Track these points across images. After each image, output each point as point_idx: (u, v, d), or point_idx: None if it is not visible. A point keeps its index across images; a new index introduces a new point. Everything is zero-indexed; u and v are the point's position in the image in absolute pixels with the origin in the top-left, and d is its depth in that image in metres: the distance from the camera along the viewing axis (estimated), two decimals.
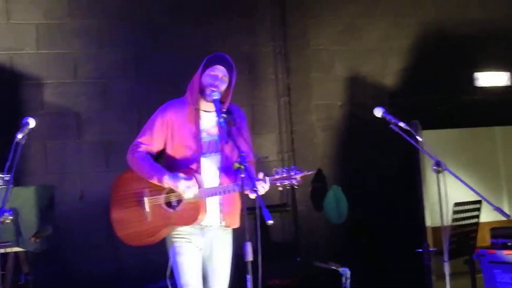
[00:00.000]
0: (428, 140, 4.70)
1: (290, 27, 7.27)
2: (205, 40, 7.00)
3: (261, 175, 4.03)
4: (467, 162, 10.99)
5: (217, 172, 4.25)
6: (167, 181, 4.12)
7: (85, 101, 6.66)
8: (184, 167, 4.20)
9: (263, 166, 5.78)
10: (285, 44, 7.26)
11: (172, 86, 6.51)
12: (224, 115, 4.06)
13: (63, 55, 6.65)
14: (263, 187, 3.98)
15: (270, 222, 3.46)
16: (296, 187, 4.09)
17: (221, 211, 4.25)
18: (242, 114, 4.38)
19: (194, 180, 4.10)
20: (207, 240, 4.27)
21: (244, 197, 3.83)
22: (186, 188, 4.09)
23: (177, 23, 7.00)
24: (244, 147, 4.18)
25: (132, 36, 6.85)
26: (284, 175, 4.01)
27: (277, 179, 4.01)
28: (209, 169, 4.24)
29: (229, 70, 4.31)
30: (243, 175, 3.78)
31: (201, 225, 4.20)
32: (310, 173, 4.18)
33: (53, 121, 6.55)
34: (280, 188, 4.05)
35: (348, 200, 7.08)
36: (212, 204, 4.21)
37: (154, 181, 4.16)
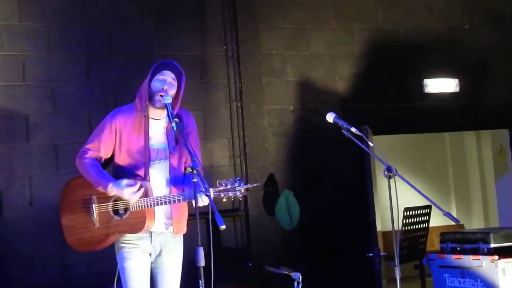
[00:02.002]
0: (379, 145, 4.77)
1: (242, 31, 7.24)
2: (156, 44, 6.98)
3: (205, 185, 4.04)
4: (417, 168, 11.24)
5: (166, 179, 4.27)
6: (112, 189, 4.14)
7: (34, 104, 6.54)
8: (132, 175, 4.23)
9: (213, 172, 5.79)
10: (237, 48, 7.23)
11: (122, 91, 6.65)
12: (176, 119, 4.09)
13: (12, 57, 6.54)
14: (205, 199, 4.04)
15: (223, 227, 3.56)
16: (240, 199, 4.18)
17: (168, 218, 4.27)
18: (192, 120, 4.42)
19: (138, 184, 4.12)
20: (155, 245, 4.28)
21: (190, 203, 3.87)
22: (130, 195, 4.12)
23: (128, 27, 6.94)
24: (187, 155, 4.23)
25: (82, 40, 6.75)
26: (228, 187, 4.07)
27: (220, 191, 4.07)
28: (158, 176, 4.26)
29: (178, 76, 4.33)
30: (195, 180, 3.82)
31: (149, 231, 4.24)
32: (254, 185, 4.35)
33: (0, 124, 6.44)
34: (225, 200, 4.11)
35: (300, 205, 7.07)
36: (160, 211, 4.24)
37: (100, 189, 4.18)
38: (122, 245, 4.26)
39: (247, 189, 4.13)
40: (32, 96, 6.56)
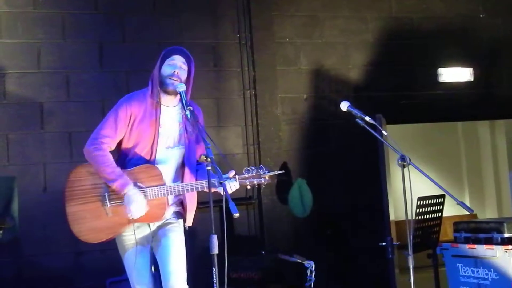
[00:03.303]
0: (392, 134, 4.76)
1: (255, 18, 7.21)
2: (168, 32, 6.96)
3: (231, 174, 4.10)
4: (431, 157, 11.21)
5: (177, 166, 4.27)
6: (129, 191, 4.07)
7: (48, 91, 6.53)
8: (140, 162, 4.19)
9: (227, 162, 5.81)
10: (251, 36, 7.21)
11: (134, 78, 6.66)
12: (190, 107, 4.07)
13: (26, 44, 6.54)
14: (234, 186, 4.08)
15: (237, 215, 3.49)
16: (264, 185, 4.23)
17: (178, 206, 4.31)
18: (200, 111, 4.36)
19: (145, 203, 4.08)
20: (154, 229, 4.27)
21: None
22: (137, 210, 4.08)
23: (141, 15, 6.93)
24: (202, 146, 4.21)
25: (96, 27, 6.73)
26: (254, 174, 4.11)
27: (246, 178, 4.11)
28: (168, 163, 4.23)
29: (187, 61, 4.32)
30: (209, 168, 3.81)
31: None
32: (279, 172, 4.40)
33: (15, 112, 6.42)
34: (249, 187, 4.18)
35: (312, 193, 7.07)
36: (170, 200, 4.26)
37: (113, 186, 4.10)
38: (123, 237, 4.24)
39: (271, 177, 4.17)
40: (46, 84, 6.56)
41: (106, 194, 4.15)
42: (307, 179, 7.18)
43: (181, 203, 4.33)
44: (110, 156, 4.17)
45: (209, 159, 3.78)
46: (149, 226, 4.25)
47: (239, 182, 4.10)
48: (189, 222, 4.35)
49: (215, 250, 3.71)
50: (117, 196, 4.14)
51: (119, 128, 4.19)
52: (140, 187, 4.12)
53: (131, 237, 4.21)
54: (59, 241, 6.27)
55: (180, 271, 4.16)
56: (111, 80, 6.75)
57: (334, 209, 7.33)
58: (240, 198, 6.79)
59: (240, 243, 6.74)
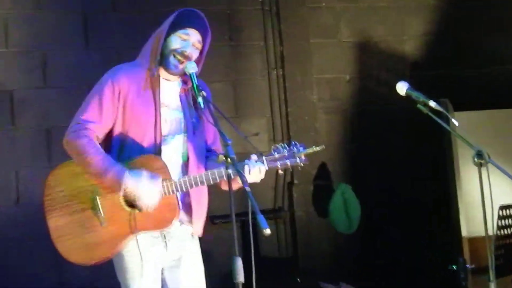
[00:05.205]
0: (462, 124, 4.72)
1: None
2: None
3: (254, 157, 4.10)
4: (510, 152, 11.05)
5: (182, 158, 4.27)
6: (127, 180, 4.02)
7: (20, 76, 6.58)
8: (138, 152, 4.15)
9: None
10: (276, 0, 7.24)
11: (129, 57, 6.32)
12: (203, 92, 4.05)
13: None
14: (259, 172, 4.05)
15: (268, 231, 3.42)
16: (300, 168, 4.19)
17: (187, 211, 4.25)
18: (209, 92, 4.27)
19: (160, 180, 4.05)
20: (172, 250, 4.25)
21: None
22: (150, 196, 4.03)
23: None
24: (211, 132, 4.34)
25: None
26: (285, 153, 4.10)
27: (276, 159, 4.10)
28: (172, 155, 4.23)
29: (204, 37, 4.32)
30: (229, 171, 3.77)
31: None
32: (318, 148, 4.23)
33: None
34: (281, 171, 4.19)
35: (360, 202, 7.08)
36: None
37: (106, 180, 4.06)
38: (125, 257, 4.19)
39: (308, 155, 4.17)
40: (17, 66, 6.60)
41: (97, 197, 4.11)
42: (353, 184, 7.17)
43: (190, 208, 4.30)
44: (97, 144, 4.13)
45: (229, 160, 3.72)
46: (164, 237, 4.22)
47: (267, 164, 4.08)
48: (198, 231, 4.33)
49: (241, 278, 3.62)
50: (113, 199, 4.10)
51: (106, 110, 4.16)
52: None
53: (135, 253, 4.15)
54: (40, 264, 6.30)
55: None
56: (99, 61, 6.71)
57: (388, 222, 7.29)
58: (267, 210, 6.83)
59: (268, 267, 6.67)
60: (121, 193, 4.06)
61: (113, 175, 4.02)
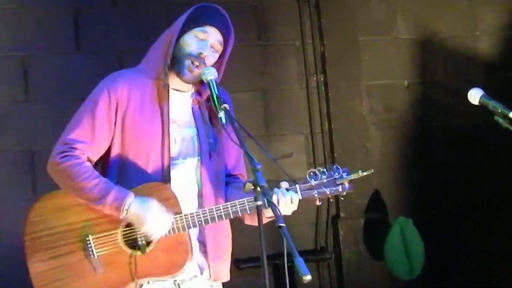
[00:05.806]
0: None
1: None
2: None
3: (284, 184, 3.98)
4: None
5: (198, 187, 4.12)
6: (132, 207, 3.85)
7: None
8: (141, 179, 3.99)
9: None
10: None
11: (131, 61, 6.00)
12: (226, 105, 3.85)
13: None
14: (291, 202, 3.93)
15: (308, 277, 3.22)
16: (342, 197, 4.14)
17: (204, 252, 4.12)
18: (231, 104, 4.10)
19: (170, 213, 3.90)
20: None
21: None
22: (159, 226, 3.86)
23: None
24: (233, 153, 4.22)
25: None
26: (324, 179, 3.98)
27: (313, 187, 3.98)
28: (183, 182, 4.09)
29: (225, 36, 4.18)
30: (259, 203, 3.56)
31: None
32: (365, 173, 4.11)
33: None
34: (318, 203, 4.07)
35: (424, 240, 6.79)
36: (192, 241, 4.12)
37: (105, 205, 3.87)
38: None
39: (353, 181, 4.05)
40: None
41: (90, 236, 3.93)
42: (415, 217, 6.87)
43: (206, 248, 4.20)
44: (89, 165, 3.97)
45: (259, 189, 3.51)
46: (178, 286, 4.06)
47: (301, 193, 3.93)
48: (219, 276, 4.16)
49: None
50: (110, 237, 3.93)
51: (100, 126, 4.00)
52: None
53: None
54: None
55: None
56: (93, 67, 6.51)
57: (460, 264, 7.03)
58: (307, 251, 6.67)
59: None
60: (122, 215, 3.87)
61: (114, 198, 3.87)
